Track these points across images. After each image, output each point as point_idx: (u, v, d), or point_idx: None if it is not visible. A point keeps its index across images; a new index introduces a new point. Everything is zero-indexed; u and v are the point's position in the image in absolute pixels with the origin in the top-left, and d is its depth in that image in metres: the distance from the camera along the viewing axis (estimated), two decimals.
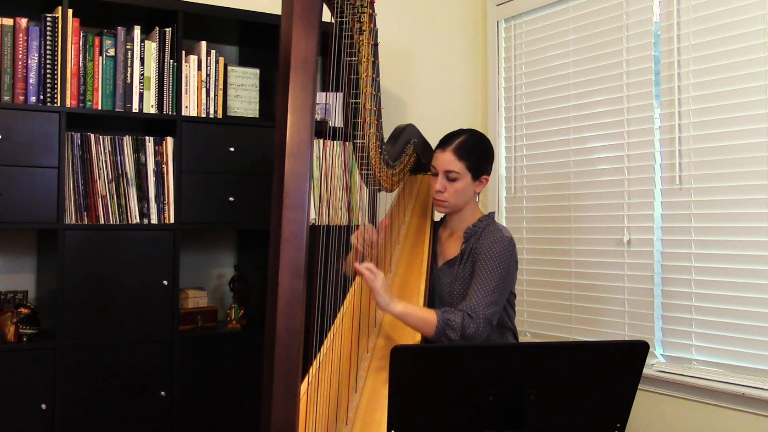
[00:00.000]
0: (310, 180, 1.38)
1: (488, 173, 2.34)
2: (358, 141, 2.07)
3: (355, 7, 1.94)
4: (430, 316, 2.08)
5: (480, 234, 2.29)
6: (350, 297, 2.23)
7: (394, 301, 2.05)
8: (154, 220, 2.71)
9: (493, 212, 2.44)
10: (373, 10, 1.97)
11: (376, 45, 2.03)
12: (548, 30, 3.41)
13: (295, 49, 1.37)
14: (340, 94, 2.84)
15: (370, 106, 2.05)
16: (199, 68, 2.83)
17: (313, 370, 1.96)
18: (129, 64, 2.70)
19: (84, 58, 2.63)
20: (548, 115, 3.39)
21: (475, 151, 2.29)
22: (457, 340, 2.07)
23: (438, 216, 2.50)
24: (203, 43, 2.86)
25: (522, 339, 3.33)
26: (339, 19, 1.91)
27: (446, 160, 2.26)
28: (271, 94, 2.96)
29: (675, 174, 2.82)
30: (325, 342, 2.06)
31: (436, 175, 2.31)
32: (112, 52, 2.68)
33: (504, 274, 2.20)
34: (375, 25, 2.00)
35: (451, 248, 2.37)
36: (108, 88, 2.67)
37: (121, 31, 2.69)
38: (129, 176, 2.68)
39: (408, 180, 2.59)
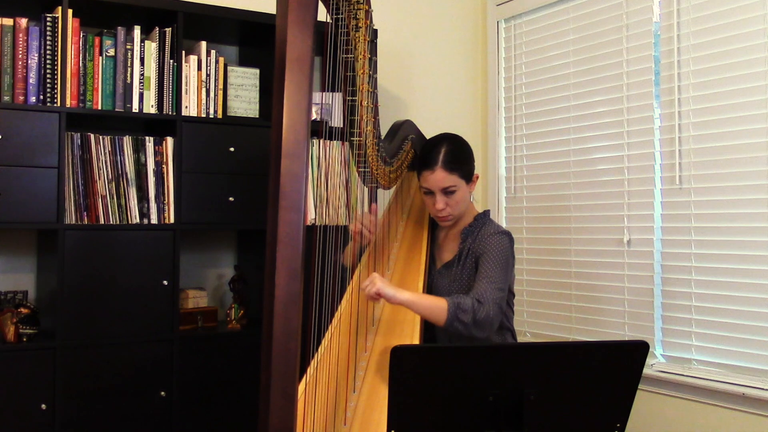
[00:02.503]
0: (307, 180, 1.38)
1: (474, 170, 2.33)
2: (355, 138, 2.07)
3: (351, 3, 1.93)
4: (441, 302, 2.07)
5: (477, 233, 2.29)
6: (348, 296, 2.23)
7: (399, 291, 2.04)
8: (154, 220, 2.71)
9: (488, 210, 2.43)
10: (370, 6, 1.96)
11: (372, 42, 2.02)
12: (548, 30, 3.40)
13: (291, 47, 1.36)
14: (339, 94, 2.84)
15: (367, 103, 2.05)
16: (199, 68, 2.83)
17: (310, 370, 1.95)
18: (129, 64, 2.70)
19: (84, 58, 2.63)
20: (548, 115, 3.38)
21: (460, 157, 2.26)
22: (470, 324, 2.04)
23: None
24: (203, 43, 2.86)
25: (522, 339, 3.33)
26: (335, 16, 1.91)
27: (439, 179, 2.22)
28: (271, 94, 2.95)
29: (675, 174, 2.81)
30: (323, 342, 2.06)
31: (427, 193, 2.27)
32: (112, 52, 2.68)
33: (505, 263, 2.19)
34: (371, 21, 1.99)
35: (448, 250, 2.36)
36: (108, 88, 2.67)
37: (121, 31, 2.69)
38: (129, 176, 2.68)
39: (406, 177, 2.58)
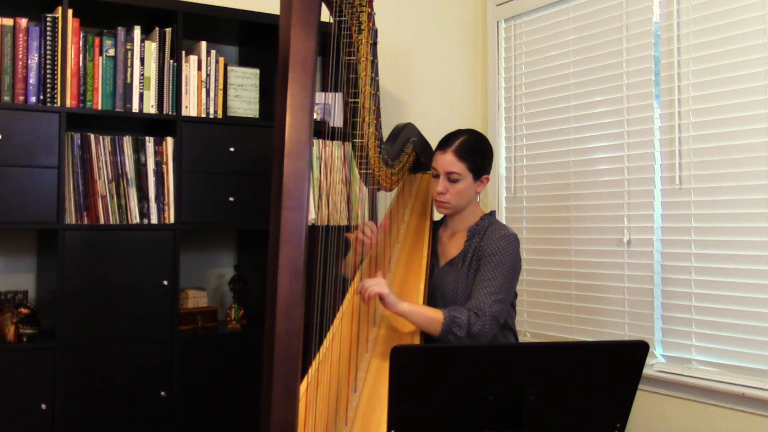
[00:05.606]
0: (310, 180, 1.38)
1: (488, 173, 2.35)
2: (357, 140, 2.07)
3: (354, 6, 1.94)
4: (437, 315, 2.10)
5: (483, 233, 2.30)
6: (349, 297, 2.23)
7: (399, 301, 2.09)
8: (154, 220, 2.71)
9: (494, 211, 2.44)
10: (372, 9, 1.97)
11: (375, 44, 2.03)
12: (548, 30, 3.41)
13: (294, 48, 1.36)
14: (340, 94, 2.83)
15: (369, 105, 2.05)
16: (199, 68, 2.83)
17: (312, 370, 1.96)
18: (129, 64, 2.70)
19: (84, 58, 2.63)
20: (548, 115, 3.39)
21: (475, 151, 2.29)
22: (464, 338, 2.07)
23: (438, 215, 2.50)
24: (203, 43, 2.86)
25: (522, 339, 3.33)
26: (338, 18, 1.91)
27: (447, 162, 2.26)
28: (271, 94, 2.96)
29: (675, 174, 2.82)
30: (325, 342, 2.06)
31: (436, 176, 2.31)
32: (112, 52, 2.68)
33: (510, 271, 2.21)
34: (374, 24, 2.00)
35: (453, 248, 2.37)
36: (108, 88, 2.67)
37: (121, 31, 2.69)
38: (129, 176, 2.68)
39: (407, 179, 2.59)
